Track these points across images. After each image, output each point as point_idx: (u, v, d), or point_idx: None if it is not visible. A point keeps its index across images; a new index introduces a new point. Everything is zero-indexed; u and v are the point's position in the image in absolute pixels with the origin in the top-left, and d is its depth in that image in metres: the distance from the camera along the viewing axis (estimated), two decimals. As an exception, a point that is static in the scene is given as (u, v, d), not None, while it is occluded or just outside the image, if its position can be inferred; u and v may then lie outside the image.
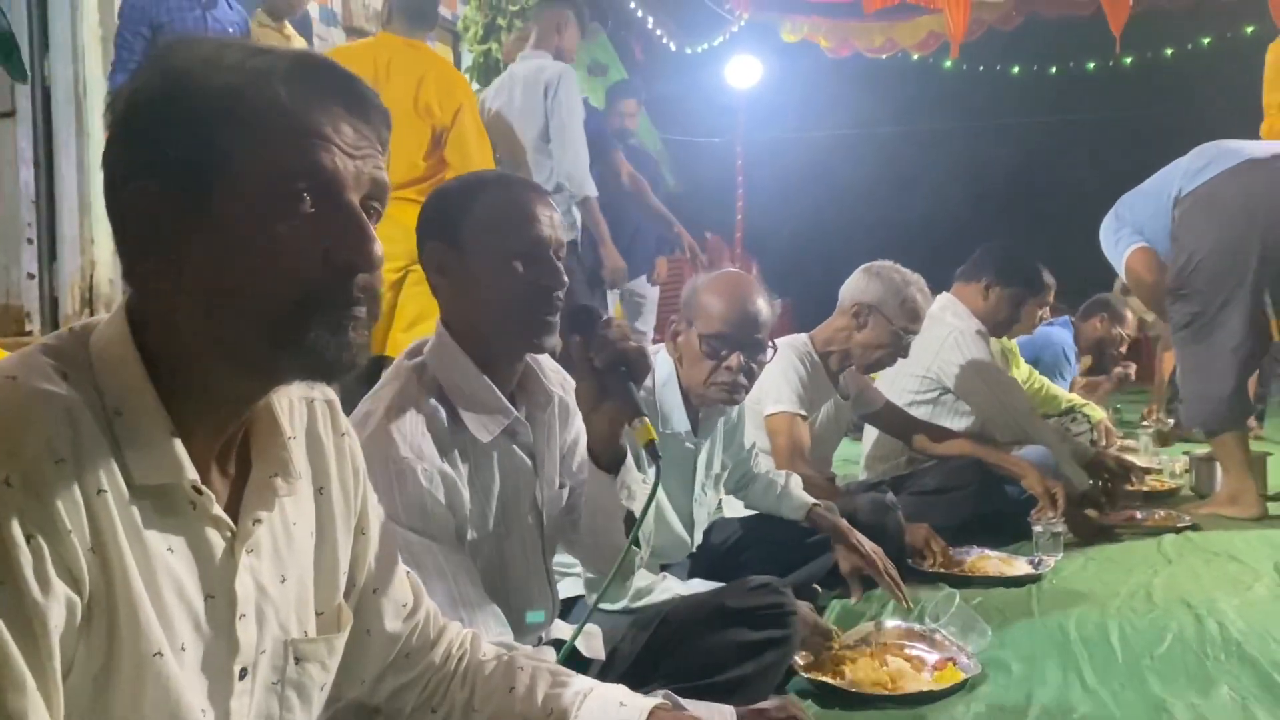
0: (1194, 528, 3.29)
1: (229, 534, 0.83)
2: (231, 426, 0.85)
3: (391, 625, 1.08)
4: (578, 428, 1.57)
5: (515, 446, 1.45)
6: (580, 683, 1.18)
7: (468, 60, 5.73)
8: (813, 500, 2.48)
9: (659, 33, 8.19)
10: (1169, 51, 8.25)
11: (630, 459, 1.46)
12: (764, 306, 2.16)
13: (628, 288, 4.98)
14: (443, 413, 1.39)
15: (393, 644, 1.09)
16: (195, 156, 0.77)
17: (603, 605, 1.97)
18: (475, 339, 1.42)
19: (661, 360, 2.22)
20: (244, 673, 0.85)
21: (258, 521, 0.86)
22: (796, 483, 2.53)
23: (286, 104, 0.78)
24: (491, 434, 1.40)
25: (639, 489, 1.46)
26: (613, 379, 1.36)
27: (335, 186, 0.80)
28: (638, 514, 1.46)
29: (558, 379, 1.57)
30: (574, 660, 1.60)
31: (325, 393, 0.99)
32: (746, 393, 2.19)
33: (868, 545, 2.36)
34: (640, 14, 7.90)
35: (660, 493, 2.16)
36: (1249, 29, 7.59)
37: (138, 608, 0.75)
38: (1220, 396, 3.46)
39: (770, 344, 2.19)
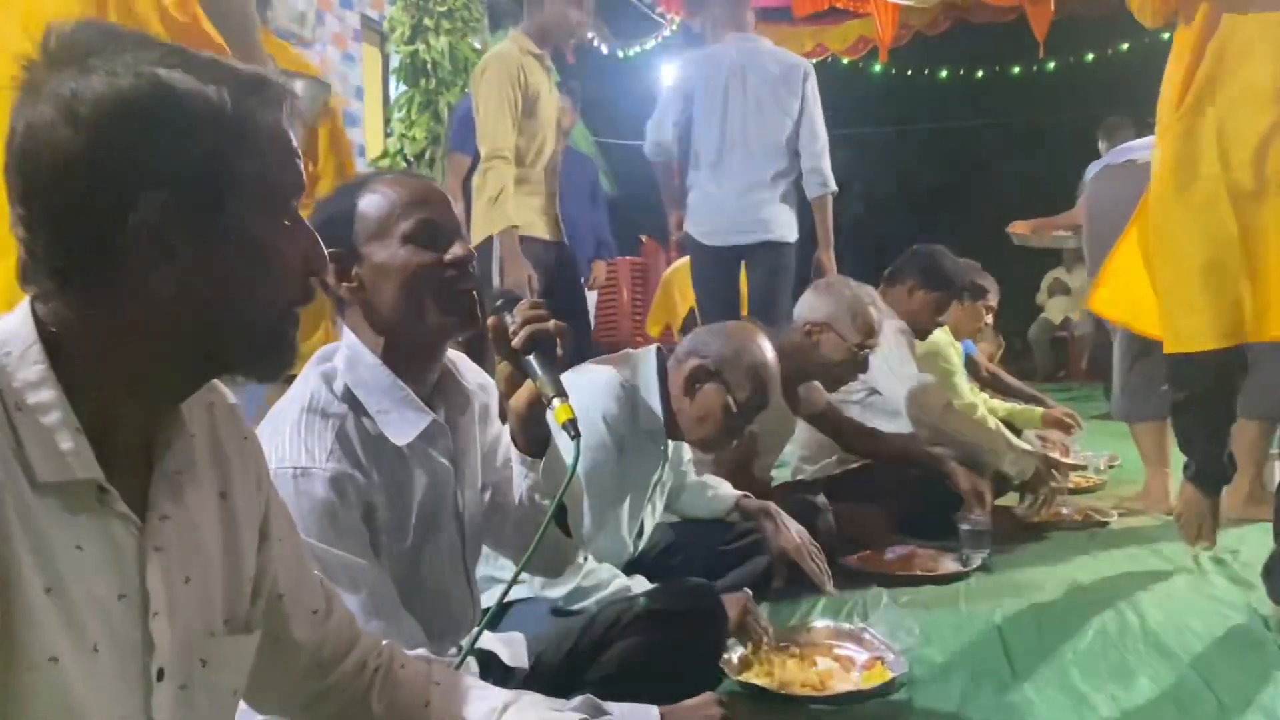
0: (1117, 522, 3.36)
1: (136, 531, 0.82)
2: (149, 427, 0.86)
3: (300, 633, 1.06)
4: (498, 427, 1.55)
5: (433, 451, 1.41)
6: (496, 698, 1.15)
7: (395, 61, 5.67)
8: (740, 492, 2.49)
9: (590, 36, 8.17)
10: (1090, 56, 8.44)
11: (555, 443, 1.44)
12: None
13: None
14: (353, 419, 1.35)
15: (304, 652, 1.07)
16: (205, 168, 0.79)
17: (549, 594, 1.95)
18: (387, 341, 1.39)
19: (648, 363, 2.23)
20: (161, 673, 0.83)
21: (164, 518, 0.85)
22: (722, 481, 2.54)
23: (266, 115, 0.83)
24: (409, 438, 1.36)
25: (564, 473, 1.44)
26: (531, 360, 1.34)
27: (298, 195, 0.87)
28: (567, 498, 1.44)
29: (476, 379, 1.54)
30: (498, 669, 1.58)
31: (225, 396, 0.98)
32: None
33: (794, 528, 2.37)
34: (571, 17, 7.89)
35: (627, 487, 2.15)
36: (1166, 34, 7.78)
37: (32, 610, 0.73)
38: (1123, 388, 3.55)
39: None
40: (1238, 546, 2.98)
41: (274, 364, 0.87)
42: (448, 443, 1.44)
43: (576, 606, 1.94)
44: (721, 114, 3.95)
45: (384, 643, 1.17)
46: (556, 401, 1.30)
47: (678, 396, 2.19)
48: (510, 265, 3.39)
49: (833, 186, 4.01)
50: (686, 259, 5.08)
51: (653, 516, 2.32)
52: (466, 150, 4.42)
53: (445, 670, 1.20)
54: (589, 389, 2.11)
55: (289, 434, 1.31)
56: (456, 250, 1.38)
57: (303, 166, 0.87)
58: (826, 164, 4.00)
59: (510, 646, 1.66)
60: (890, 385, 3.41)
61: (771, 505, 2.43)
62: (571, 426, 1.27)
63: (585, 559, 2.02)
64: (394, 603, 1.32)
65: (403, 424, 1.36)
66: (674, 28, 8.45)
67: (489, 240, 3.40)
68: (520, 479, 1.47)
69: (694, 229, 4.05)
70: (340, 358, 1.40)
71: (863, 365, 2.95)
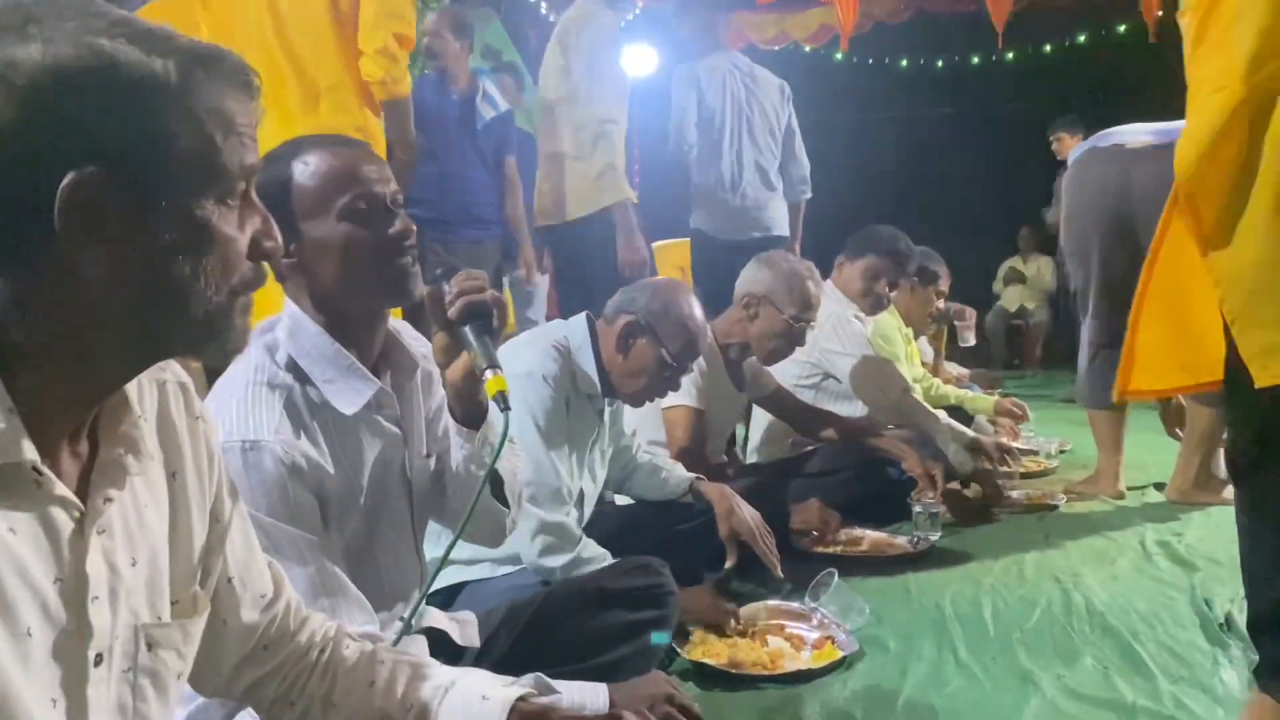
0: (1067, 505, 3.41)
1: (78, 514, 0.80)
2: (91, 408, 0.83)
3: (249, 615, 1.05)
4: (442, 395, 1.53)
5: (381, 418, 1.40)
6: (443, 675, 1.15)
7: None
8: (693, 475, 2.50)
9: (553, 19, 8.12)
10: (1048, 48, 8.52)
11: (491, 414, 1.43)
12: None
13: (517, 276, 4.95)
14: (299, 389, 1.34)
15: (250, 635, 1.06)
16: (143, 143, 0.76)
17: (547, 563, 1.96)
18: (330, 310, 1.37)
19: (578, 326, 2.26)
20: (99, 659, 0.82)
21: (108, 500, 0.83)
22: (675, 463, 2.56)
23: (217, 93, 0.80)
24: (356, 406, 1.35)
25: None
26: (466, 330, 1.33)
27: (250, 177, 0.84)
28: (501, 468, 1.46)
29: (420, 347, 1.53)
30: (449, 648, 1.58)
31: (178, 374, 0.96)
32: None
33: (746, 511, 2.39)
34: (533, 0, 7.84)
35: (556, 463, 2.15)
36: (1121, 27, 7.90)
37: None
38: (1086, 374, 3.61)
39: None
40: (1183, 530, 3.04)
41: (218, 349, 0.85)
42: (394, 410, 1.43)
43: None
44: (728, 119, 4.25)
45: (330, 623, 1.17)
46: (489, 373, 1.29)
47: (611, 355, 2.22)
48: (632, 241, 3.52)
49: (809, 193, 4.52)
50: (669, 241, 5.16)
51: (594, 483, 2.33)
52: None
53: (391, 650, 1.20)
54: (527, 353, 2.15)
55: (236, 407, 1.29)
56: (397, 226, 1.37)
57: (254, 144, 0.84)
58: (808, 172, 4.54)
59: (461, 626, 1.66)
60: (845, 369, 3.45)
61: (725, 488, 2.45)
62: (502, 399, 1.27)
63: (580, 533, 2.05)
64: (343, 580, 1.31)
65: (349, 392, 1.35)
66: (636, 12, 8.42)
67: (603, 212, 3.54)
68: (457, 449, 1.46)
69: (704, 224, 4.30)
70: (282, 328, 1.39)
71: (799, 338, 2.99)
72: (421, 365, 1.49)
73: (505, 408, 1.26)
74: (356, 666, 1.14)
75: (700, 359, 2.89)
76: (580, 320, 2.28)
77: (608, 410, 2.32)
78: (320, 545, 1.30)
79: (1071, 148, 5.66)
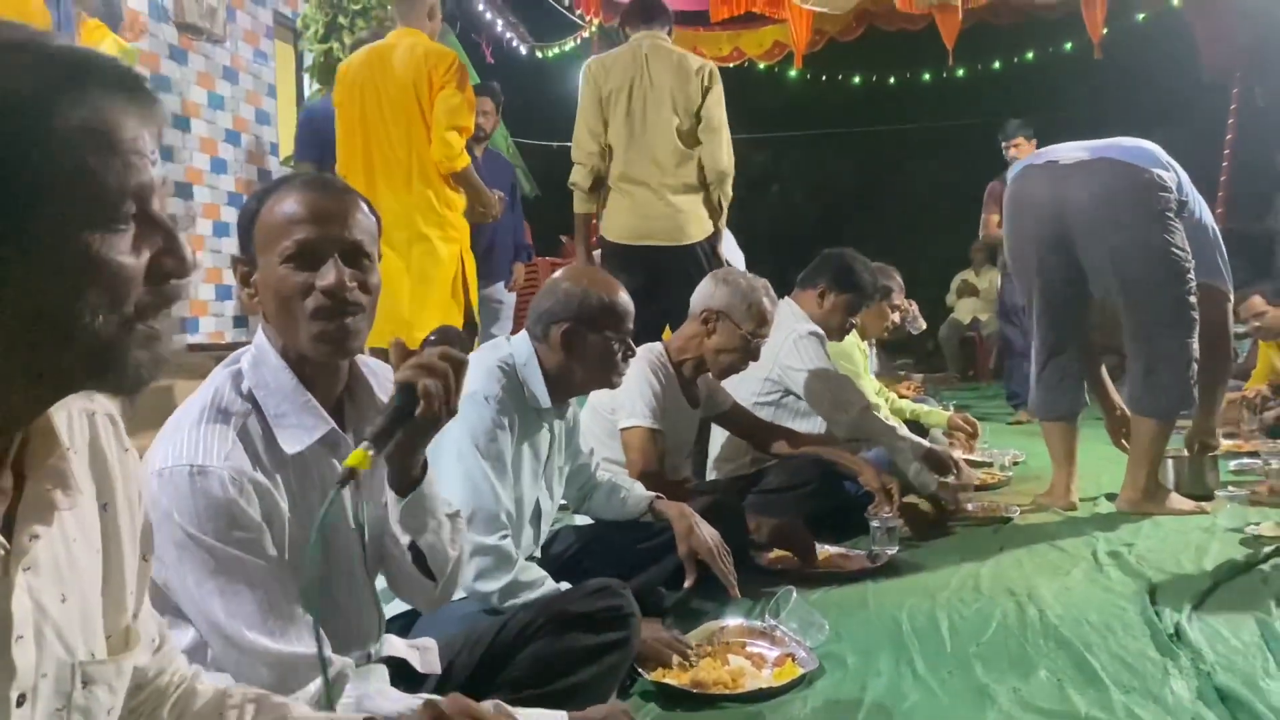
0: (1021, 518, 3.46)
1: (2, 552, 0.77)
2: (6, 442, 0.80)
3: (142, 658, 1.01)
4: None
5: (335, 459, 1.40)
6: (296, 713, 1.13)
7: (308, 60, 5.58)
8: (653, 494, 2.51)
9: (509, 36, 8.14)
10: (997, 64, 8.68)
11: (424, 487, 1.42)
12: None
13: (485, 293, 4.96)
14: (255, 420, 1.33)
15: (134, 678, 1.02)
16: (11, 171, 0.70)
17: (482, 588, 1.96)
18: (288, 347, 1.38)
19: (521, 343, 2.25)
20: (22, 699, 0.79)
21: (35, 537, 0.80)
22: (635, 482, 2.57)
23: (92, 108, 0.73)
24: (299, 445, 1.35)
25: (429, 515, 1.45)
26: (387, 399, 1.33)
27: (149, 198, 0.78)
28: (428, 544, 1.45)
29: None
30: (410, 675, 1.57)
31: (105, 406, 0.94)
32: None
33: (706, 530, 2.39)
34: (489, 16, 7.84)
35: (523, 471, 2.16)
36: (1068, 45, 8.06)
37: None
38: (1037, 384, 3.69)
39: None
40: (1133, 540, 3.10)
41: (116, 382, 0.79)
42: (349, 452, 1.42)
43: (509, 604, 1.94)
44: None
45: (192, 668, 1.14)
46: (363, 445, 1.23)
47: (560, 363, 2.21)
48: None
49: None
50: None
51: (551, 500, 2.33)
52: (306, 158, 4.56)
53: (244, 689, 1.16)
54: (472, 374, 2.11)
55: (188, 432, 1.29)
56: (328, 277, 1.34)
57: (150, 159, 0.78)
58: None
59: (422, 653, 1.65)
60: (805, 386, 3.48)
61: (685, 507, 2.46)
62: (348, 475, 1.20)
63: (518, 556, 2.03)
64: (292, 605, 1.31)
65: (298, 430, 1.35)
66: (594, 29, 8.45)
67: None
68: (392, 507, 1.46)
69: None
70: (247, 357, 1.39)
71: (754, 354, 3.02)
72: None
73: (340, 484, 1.20)
74: (206, 706, 1.11)
75: (654, 378, 2.92)
76: (522, 337, 2.28)
77: (560, 424, 2.32)
78: (270, 571, 1.29)
79: (1029, 152, 5.78)
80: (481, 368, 2.14)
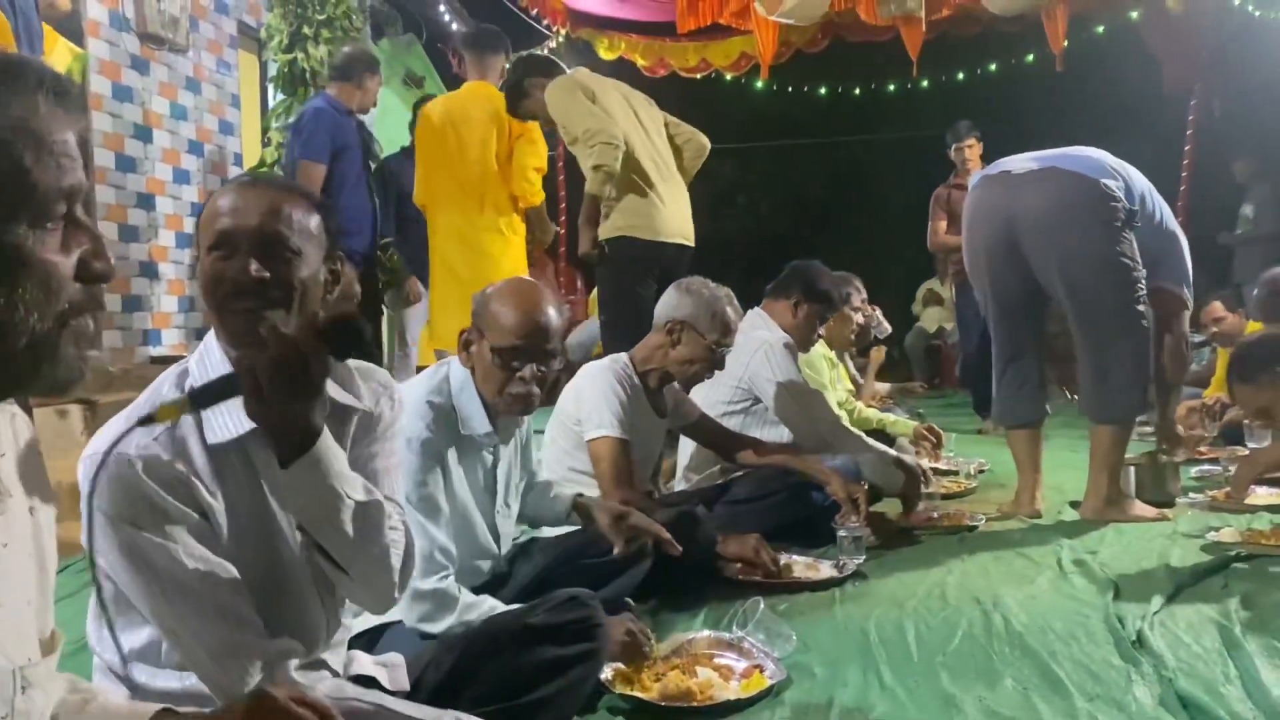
0: (986, 525, 3.48)
1: None
2: None
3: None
4: (383, 445, 1.52)
5: (270, 453, 1.36)
6: (100, 702, 1.08)
7: (273, 69, 5.54)
8: (575, 493, 2.49)
9: (475, 45, 8.12)
10: (961, 75, 8.77)
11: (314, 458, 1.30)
12: (554, 315, 2.14)
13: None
14: (193, 416, 1.33)
15: None
16: None
17: (428, 628, 1.93)
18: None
19: (455, 367, 2.19)
20: None
21: None
22: (565, 484, 2.55)
23: (23, 107, 0.75)
24: (228, 435, 1.33)
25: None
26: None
27: (77, 200, 0.79)
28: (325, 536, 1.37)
29: (375, 391, 1.52)
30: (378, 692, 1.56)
31: (13, 407, 0.93)
32: (540, 402, 2.17)
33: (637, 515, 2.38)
34: (455, 26, 7.83)
35: (467, 501, 2.13)
36: (1030, 57, 8.17)
37: None
38: (998, 392, 3.73)
39: (563, 352, 2.19)
40: (1096, 548, 3.13)
41: (48, 381, 0.80)
42: None
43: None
44: None
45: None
46: (174, 400, 1.20)
47: (478, 380, 2.14)
48: None
49: None
50: None
51: (509, 519, 2.32)
52: (313, 156, 4.57)
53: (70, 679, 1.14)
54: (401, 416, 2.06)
55: (118, 423, 1.29)
56: (233, 264, 1.35)
57: (77, 163, 0.79)
58: None
59: (390, 670, 1.64)
60: (775, 397, 3.49)
61: (608, 504, 2.44)
62: (147, 418, 1.16)
63: (460, 591, 2.00)
64: (222, 589, 1.30)
65: (226, 421, 1.33)
66: (560, 39, 8.46)
67: None
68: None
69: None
70: (194, 357, 1.40)
71: (719, 363, 3.03)
72: (355, 411, 1.48)
73: (141, 422, 1.15)
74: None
75: (620, 389, 2.91)
76: (454, 360, 2.21)
77: (505, 447, 2.29)
78: (192, 554, 1.29)
79: (978, 154, 5.84)
80: (409, 405, 2.00)
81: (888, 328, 5.21)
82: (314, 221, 1.42)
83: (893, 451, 3.60)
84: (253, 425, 1.30)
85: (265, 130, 5.52)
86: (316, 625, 1.47)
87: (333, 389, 1.45)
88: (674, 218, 4.15)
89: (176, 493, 1.29)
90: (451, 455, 2.13)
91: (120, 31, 5.15)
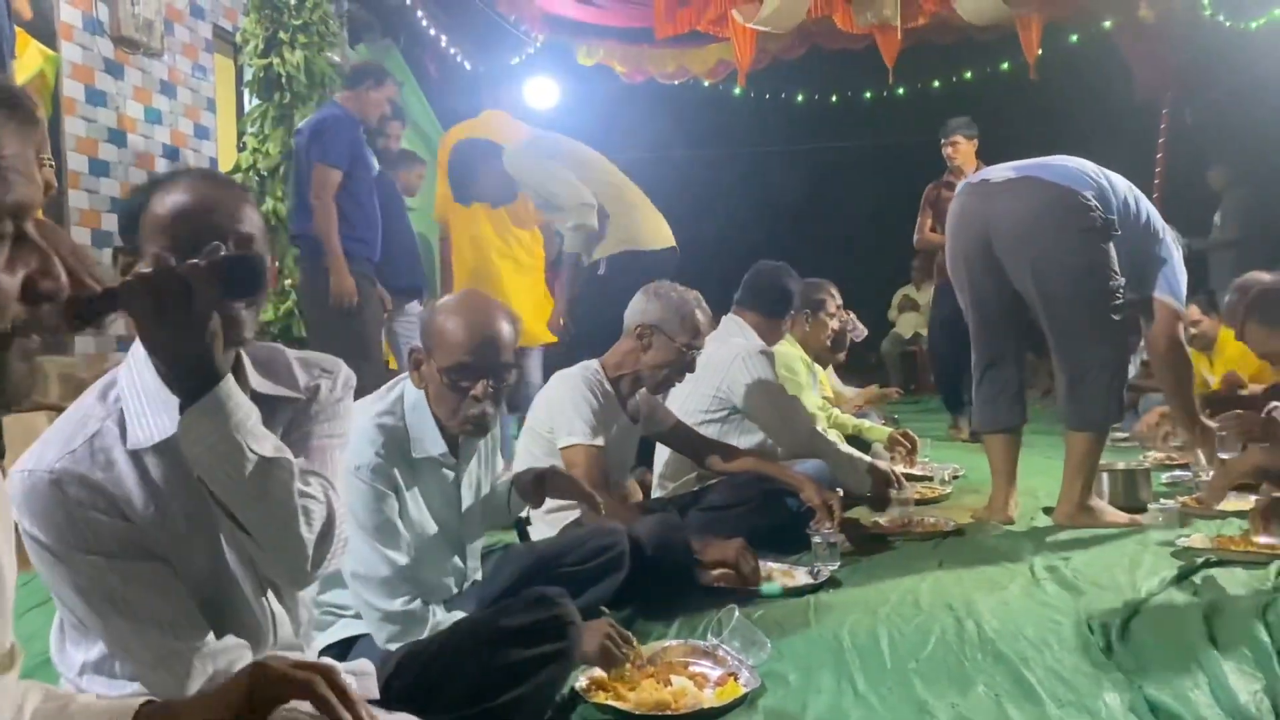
0: (959, 532, 3.51)
1: None
2: None
3: None
4: (324, 431, 1.48)
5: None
6: (81, 702, 1.08)
7: (248, 74, 5.51)
8: (508, 479, 2.47)
9: (453, 51, 8.11)
10: (936, 83, 8.84)
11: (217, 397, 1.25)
12: (504, 326, 2.07)
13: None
14: (113, 423, 1.32)
15: None
16: None
17: (393, 647, 1.92)
18: None
19: (409, 386, 2.13)
20: None
21: None
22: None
23: None
24: (140, 443, 1.31)
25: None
26: None
27: (26, 216, 0.77)
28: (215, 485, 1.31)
29: (313, 375, 1.51)
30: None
31: None
32: (497, 419, 2.13)
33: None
34: (433, 32, 7.81)
35: (426, 521, 2.11)
36: (1005, 65, 8.24)
37: None
38: (976, 397, 3.77)
39: (515, 362, 2.12)
40: (1069, 553, 3.15)
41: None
42: None
43: None
44: None
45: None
46: None
47: (445, 406, 2.08)
48: None
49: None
50: None
51: (479, 528, 2.30)
52: (333, 161, 4.62)
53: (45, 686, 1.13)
54: (352, 440, 1.91)
55: (40, 440, 1.30)
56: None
57: (28, 178, 0.78)
58: None
59: (358, 677, 1.63)
60: (754, 405, 3.50)
61: (546, 470, 2.36)
62: None
63: (433, 613, 1.99)
64: (163, 603, 1.29)
65: (148, 426, 1.31)
66: (537, 46, 8.46)
67: None
68: None
69: None
70: (123, 365, 1.37)
71: (690, 366, 3.03)
72: (283, 404, 1.46)
73: None
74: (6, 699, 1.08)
75: (592, 395, 2.91)
76: (406, 379, 2.16)
77: (482, 451, 2.27)
78: (116, 568, 1.27)
79: (968, 152, 5.84)
80: (359, 431, 1.97)
81: (863, 330, 5.22)
82: (262, 224, 1.43)
83: (867, 458, 3.62)
84: (169, 434, 1.28)
85: (241, 135, 5.49)
86: (259, 623, 1.45)
87: (256, 380, 1.43)
88: (660, 223, 4.37)
89: (97, 505, 1.27)
90: (406, 476, 2.06)
91: (94, 35, 5.11)
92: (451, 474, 2.18)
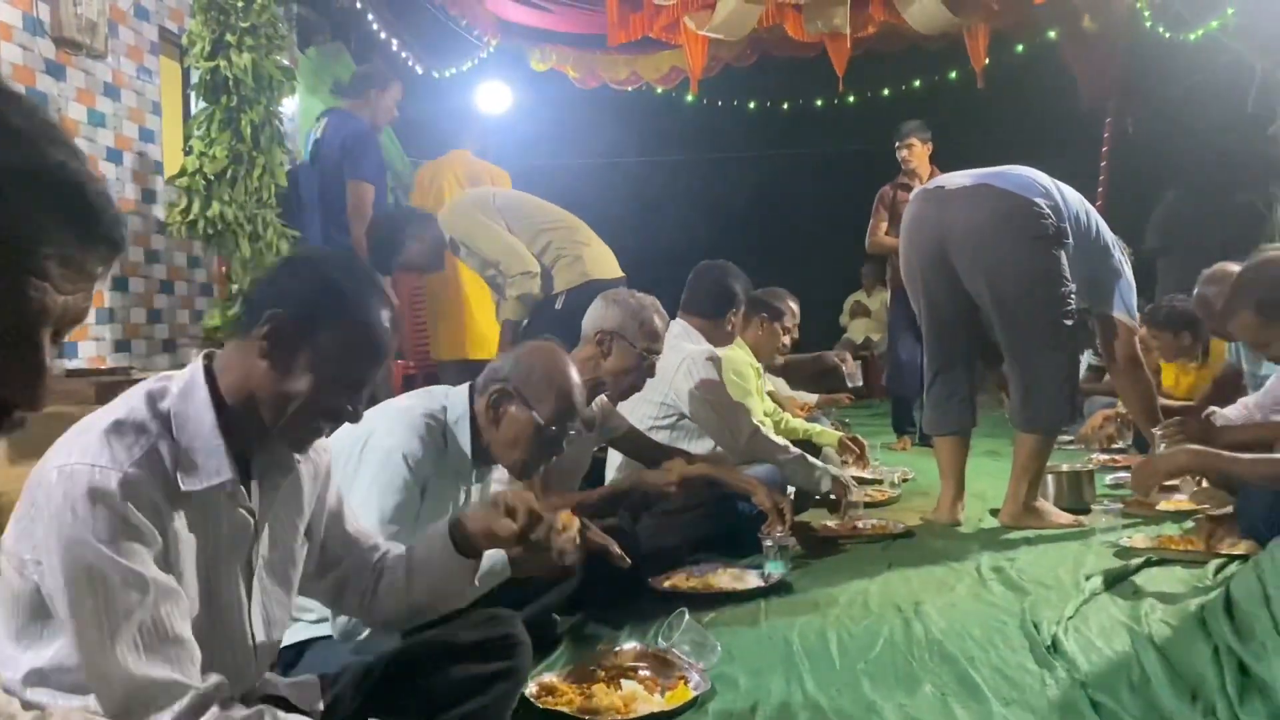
0: (908, 534, 3.55)
1: None
2: None
3: None
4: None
5: (238, 508, 1.42)
6: None
7: (195, 77, 5.43)
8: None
9: (404, 55, 8.06)
10: (886, 91, 8.92)
11: None
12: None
13: None
14: (168, 442, 1.33)
15: None
16: None
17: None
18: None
19: (459, 397, 2.18)
20: None
21: None
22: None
23: (8, 222, 0.71)
24: (199, 485, 1.34)
25: None
26: None
27: (30, 326, 0.75)
28: None
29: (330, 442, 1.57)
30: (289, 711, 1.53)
31: None
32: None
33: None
34: (384, 35, 7.74)
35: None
36: (952, 74, 8.35)
37: None
38: (927, 401, 3.83)
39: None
40: (1015, 554, 3.20)
41: None
42: (246, 500, 1.43)
43: None
44: None
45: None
46: None
47: (486, 426, 2.15)
48: None
49: None
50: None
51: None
52: (369, 177, 4.76)
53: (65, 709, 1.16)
54: (398, 425, 2.07)
55: (97, 436, 1.28)
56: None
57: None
58: None
59: (301, 689, 1.62)
60: (699, 412, 3.51)
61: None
62: None
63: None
64: (164, 625, 1.28)
65: (201, 471, 1.34)
66: (490, 50, 8.43)
67: None
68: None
69: None
70: (176, 384, 1.38)
71: (650, 370, 3.03)
72: (310, 462, 1.53)
73: None
74: None
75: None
76: (463, 390, 2.20)
77: (475, 487, 2.27)
78: (151, 587, 1.27)
79: (922, 155, 5.88)
80: (408, 418, 2.08)
81: (859, 380, 5.17)
82: None
83: (819, 463, 3.64)
84: (220, 481, 1.33)
85: (188, 138, 5.39)
86: (244, 664, 1.47)
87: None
88: (609, 255, 4.50)
89: (148, 522, 1.27)
90: (431, 479, 2.11)
91: (34, 36, 5.00)
92: (462, 495, 2.21)
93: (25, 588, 1.29)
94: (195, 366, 1.40)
